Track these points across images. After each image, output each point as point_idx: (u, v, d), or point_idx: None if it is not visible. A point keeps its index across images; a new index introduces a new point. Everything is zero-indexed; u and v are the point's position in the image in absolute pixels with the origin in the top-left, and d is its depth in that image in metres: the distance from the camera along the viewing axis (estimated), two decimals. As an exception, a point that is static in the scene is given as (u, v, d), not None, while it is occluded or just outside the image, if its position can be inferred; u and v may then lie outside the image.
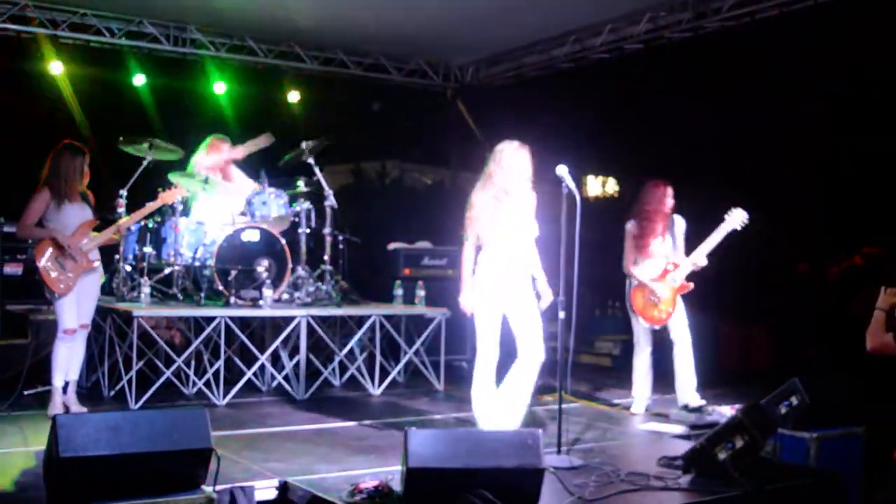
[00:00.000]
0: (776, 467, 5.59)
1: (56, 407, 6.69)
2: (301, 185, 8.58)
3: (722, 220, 7.40)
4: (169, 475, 4.32)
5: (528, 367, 6.00)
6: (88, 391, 7.77)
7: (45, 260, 6.61)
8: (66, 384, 6.83)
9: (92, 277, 6.86)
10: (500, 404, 6.01)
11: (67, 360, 6.79)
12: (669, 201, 7.57)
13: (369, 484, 4.75)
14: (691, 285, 7.55)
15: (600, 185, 12.90)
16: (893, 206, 8.59)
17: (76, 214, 6.76)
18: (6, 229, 7.79)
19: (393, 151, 12.08)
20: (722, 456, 5.25)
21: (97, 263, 6.88)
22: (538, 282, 6.19)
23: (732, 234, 7.41)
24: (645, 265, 7.57)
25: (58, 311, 6.74)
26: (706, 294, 7.80)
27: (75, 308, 6.75)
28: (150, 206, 7.29)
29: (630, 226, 7.61)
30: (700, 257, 7.47)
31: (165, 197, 7.37)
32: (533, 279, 6.16)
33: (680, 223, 7.66)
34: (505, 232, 6.05)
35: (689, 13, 8.78)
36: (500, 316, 6.07)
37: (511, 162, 6.10)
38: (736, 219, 7.37)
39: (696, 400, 7.42)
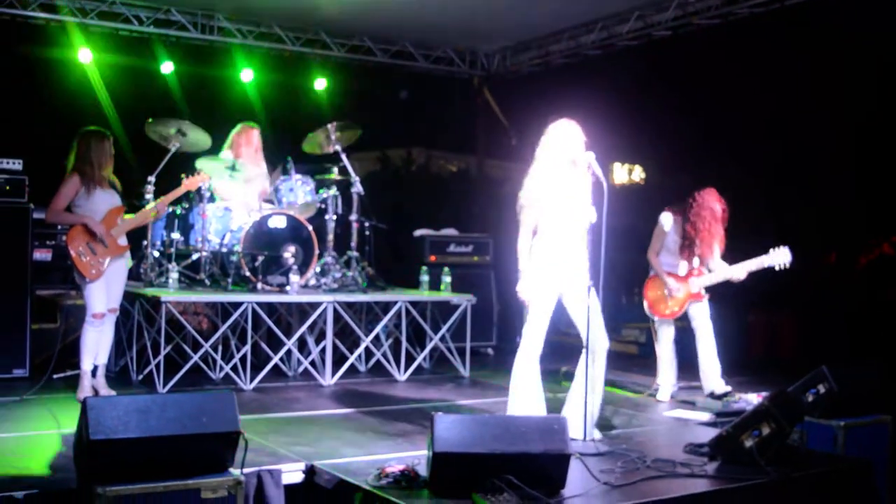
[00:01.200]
0: (803, 455, 5.57)
1: (85, 390, 6.76)
2: (335, 171, 8.58)
3: (764, 249, 7.28)
4: (197, 458, 4.36)
5: (594, 356, 5.77)
6: (117, 375, 7.83)
7: (77, 245, 6.68)
8: (96, 368, 6.90)
9: (121, 262, 6.93)
10: (538, 394, 5.87)
11: (96, 344, 6.85)
12: (721, 216, 7.43)
13: (395, 468, 4.76)
14: (707, 296, 7.51)
15: (627, 173, 12.86)
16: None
17: (105, 200, 6.82)
18: (36, 215, 7.84)
19: (419, 139, 12.08)
20: (749, 443, 5.24)
21: (126, 249, 6.94)
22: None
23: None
24: (670, 262, 7.56)
25: (87, 296, 6.80)
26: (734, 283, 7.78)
27: (104, 293, 6.81)
28: (175, 193, 7.32)
29: (665, 217, 7.53)
30: (730, 274, 7.42)
31: (189, 183, 7.40)
32: None
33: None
34: (561, 217, 5.84)
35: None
36: (554, 304, 5.88)
37: (565, 142, 5.86)
38: (778, 258, 7.23)
39: (721, 387, 7.40)
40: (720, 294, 7.62)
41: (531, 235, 5.94)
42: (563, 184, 5.85)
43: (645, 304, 7.63)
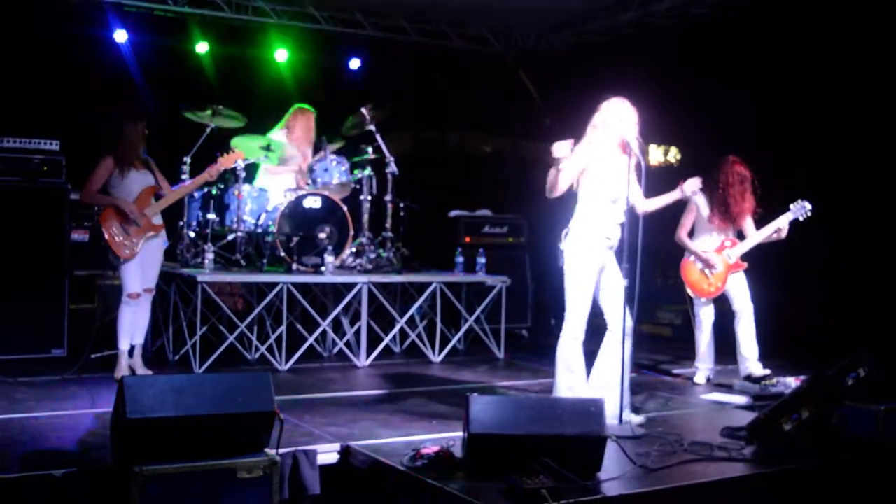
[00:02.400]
0: (843, 439, 5.48)
1: (122, 370, 6.81)
2: (369, 151, 8.57)
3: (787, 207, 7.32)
4: (233, 437, 4.38)
5: (618, 338, 5.76)
6: (153, 356, 7.88)
7: (110, 225, 6.72)
8: (132, 348, 6.95)
9: (156, 243, 6.95)
10: (582, 376, 5.85)
11: (132, 324, 6.90)
12: (749, 183, 7.41)
13: (431, 449, 4.75)
14: (745, 265, 7.47)
15: (662, 154, 12.74)
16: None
17: (139, 180, 6.86)
18: (73, 196, 7.90)
19: (453, 119, 11.99)
20: (787, 427, 5.18)
21: (161, 228, 6.96)
22: (672, 196, 6.05)
23: (795, 223, 7.33)
24: (702, 238, 7.50)
25: (123, 276, 6.85)
26: (772, 263, 7.70)
27: (139, 273, 6.85)
28: (212, 170, 7.32)
29: (699, 198, 7.44)
30: (761, 236, 7.40)
31: (224, 161, 7.40)
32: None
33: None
34: (607, 194, 5.79)
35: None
36: (596, 281, 5.84)
37: (616, 119, 5.80)
38: (799, 210, 7.29)
39: (759, 370, 7.32)
40: (759, 274, 7.54)
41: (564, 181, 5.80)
42: (608, 161, 5.82)
43: (687, 288, 7.56)
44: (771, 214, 7.45)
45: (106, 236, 6.71)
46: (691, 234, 7.58)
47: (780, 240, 7.44)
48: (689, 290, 7.57)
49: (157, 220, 6.94)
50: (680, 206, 7.42)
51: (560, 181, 5.74)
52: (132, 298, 6.83)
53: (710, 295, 7.48)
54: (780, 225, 7.34)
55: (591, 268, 5.84)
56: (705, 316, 7.59)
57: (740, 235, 7.55)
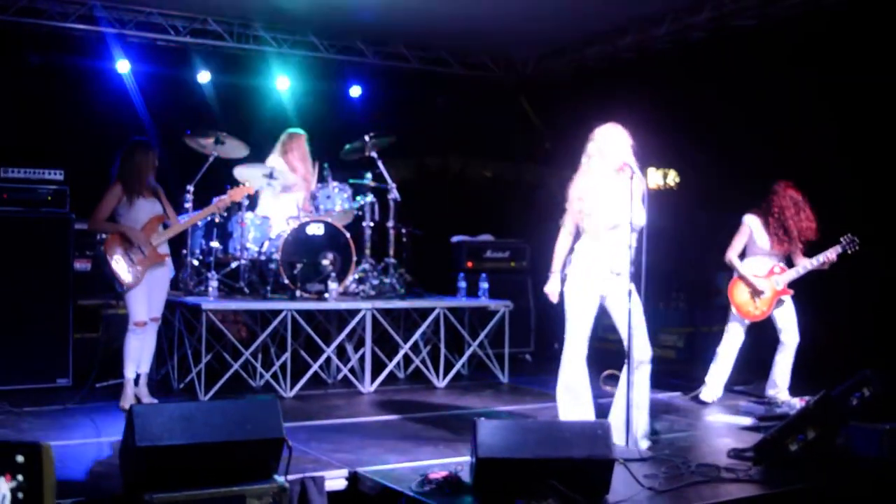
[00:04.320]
0: (849, 459, 5.50)
1: (128, 398, 6.82)
2: (369, 177, 8.62)
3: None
4: (242, 464, 4.40)
5: (636, 366, 5.74)
6: (158, 383, 7.89)
7: (114, 253, 6.75)
8: (138, 376, 6.96)
9: (162, 271, 6.98)
10: (585, 399, 5.86)
11: (139, 353, 6.92)
12: (807, 208, 7.54)
13: (439, 474, 4.77)
14: (792, 291, 7.58)
15: (661, 178, 12.79)
16: None
17: (147, 209, 6.90)
18: (77, 226, 7.94)
19: (455, 145, 12.05)
20: (793, 447, 5.21)
21: (167, 257, 6.99)
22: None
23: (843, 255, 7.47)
24: (752, 262, 7.56)
25: (128, 304, 6.87)
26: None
27: (145, 301, 6.87)
28: (220, 204, 7.40)
29: (749, 218, 7.59)
30: (810, 265, 7.52)
31: (234, 194, 7.47)
32: None
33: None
34: (606, 222, 5.79)
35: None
36: (595, 310, 5.84)
37: (610, 145, 5.81)
38: (848, 243, 7.41)
39: (785, 398, 7.41)
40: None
41: (569, 238, 5.95)
42: (606, 187, 5.82)
43: (732, 308, 7.62)
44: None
45: (110, 263, 6.74)
46: (741, 256, 7.65)
47: (824, 269, 7.55)
48: (733, 310, 7.62)
49: (164, 249, 6.98)
50: (682, 232, 7.51)
51: (566, 234, 5.90)
52: (138, 327, 6.85)
53: (755, 318, 7.57)
54: (830, 257, 7.44)
55: (587, 295, 5.84)
56: (736, 338, 7.68)
57: (789, 262, 7.62)
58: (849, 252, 7.41)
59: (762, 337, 7.83)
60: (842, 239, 7.42)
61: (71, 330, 7.84)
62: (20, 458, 3.78)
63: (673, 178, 11.62)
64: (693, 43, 9.50)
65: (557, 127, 11.07)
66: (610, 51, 10.30)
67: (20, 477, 3.75)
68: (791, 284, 7.58)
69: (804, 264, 7.53)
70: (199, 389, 7.34)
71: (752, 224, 7.60)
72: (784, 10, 8.57)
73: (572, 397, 5.85)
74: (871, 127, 8.49)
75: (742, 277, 7.58)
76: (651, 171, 11.89)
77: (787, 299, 7.58)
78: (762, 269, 7.57)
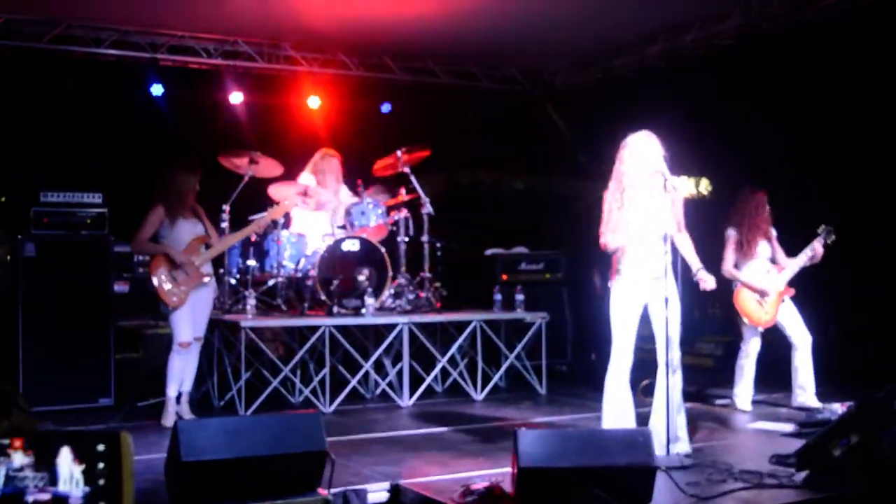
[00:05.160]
0: (894, 463, 5.44)
1: (170, 416, 6.89)
2: (404, 193, 8.68)
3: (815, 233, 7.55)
4: (286, 477, 4.44)
5: (667, 375, 5.73)
6: (198, 402, 7.94)
7: (159, 274, 6.83)
8: (180, 394, 7.04)
9: (205, 291, 7.07)
10: (628, 408, 5.85)
11: (181, 372, 7.00)
12: (767, 208, 7.67)
13: (480, 485, 4.79)
14: (793, 291, 7.59)
15: (693, 186, 12.77)
16: None
17: (188, 230, 6.99)
18: (116, 248, 8.06)
19: (486, 159, 12.10)
20: (836, 452, 5.15)
21: (209, 278, 7.08)
22: (695, 266, 5.98)
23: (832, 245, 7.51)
24: (748, 267, 7.58)
25: (173, 325, 6.96)
26: (814, 290, 7.72)
27: (189, 321, 6.96)
28: (261, 222, 7.48)
29: (732, 232, 7.65)
30: (800, 262, 7.56)
31: (274, 213, 7.56)
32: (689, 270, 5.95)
33: (772, 231, 7.74)
34: (638, 232, 5.80)
35: (784, 4, 8.61)
36: (637, 319, 5.84)
37: (643, 153, 5.82)
38: (825, 235, 7.49)
39: (814, 402, 7.38)
40: (802, 304, 7.59)
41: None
42: (641, 196, 5.83)
43: (744, 319, 7.62)
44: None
45: (155, 284, 6.82)
46: (737, 267, 7.65)
47: (817, 263, 7.58)
48: (744, 320, 7.61)
49: (207, 268, 7.06)
50: (715, 240, 7.53)
51: (613, 238, 5.85)
52: (183, 347, 6.93)
53: (766, 324, 7.57)
54: (816, 249, 7.50)
55: (632, 303, 5.85)
56: (753, 345, 7.65)
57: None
58: (827, 242, 7.46)
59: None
60: (818, 231, 7.49)
61: (112, 350, 7.94)
62: (101, 447, 3.92)
63: (706, 186, 11.60)
64: (721, 49, 9.47)
65: (588, 138, 11.08)
66: (638, 60, 10.28)
67: (101, 464, 3.91)
68: (791, 284, 7.60)
69: (795, 262, 7.58)
70: (240, 406, 7.40)
71: (732, 235, 7.66)
72: (813, 15, 8.52)
73: (617, 408, 5.84)
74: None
75: (745, 285, 7.58)
76: (683, 178, 11.84)
77: (788, 300, 7.60)
78: (759, 274, 7.59)
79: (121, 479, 3.96)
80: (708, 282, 5.93)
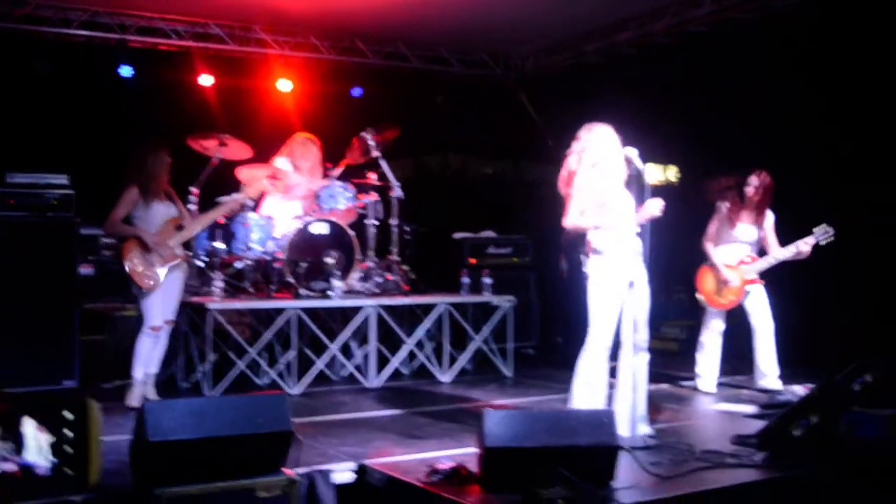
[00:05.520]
0: (852, 444, 5.54)
1: (136, 397, 6.87)
2: (374, 177, 8.69)
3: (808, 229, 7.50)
4: (251, 458, 4.45)
5: (637, 353, 5.78)
6: (164, 384, 7.92)
7: (132, 257, 6.81)
8: (146, 376, 7.02)
9: (177, 274, 7.05)
10: (602, 395, 5.87)
11: (149, 354, 6.98)
12: (767, 192, 7.62)
13: (446, 465, 4.82)
14: (761, 282, 7.63)
15: (661, 173, 12.83)
16: None
17: (162, 212, 6.97)
18: (82, 231, 8.00)
19: (455, 143, 12.12)
20: (797, 433, 5.24)
21: (184, 259, 7.06)
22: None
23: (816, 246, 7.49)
24: (724, 249, 7.63)
25: (145, 308, 6.93)
26: (778, 274, 7.80)
27: (161, 305, 6.95)
28: (234, 202, 7.46)
29: (723, 205, 7.69)
30: (780, 255, 7.57)
31: (249, 191, 7.57)
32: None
33: (769, 217, 7.70)
34: (613, 215, 5.86)
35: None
36: (620, 303, 5.84)
37: (611, 138, 5.90)
38: (821, 234, 7.42)
39: (777, 386, 7.46)
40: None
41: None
42: (614, 177, 5.89)
43: (700, 296, 7.69)
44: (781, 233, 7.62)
45: (127, 268, 6.79)
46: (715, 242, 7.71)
47: (799, 259, 7.58)
48: (701, 299, 7.68)
49: (180, 250, 7.04)
50: (683, 226, 7.57)
51: (585, 221, 5.88)
52: (154, 331, 6.92)
53: (721, 307, 7.63)
54: (801, 248, 7.46)
55: (618, 284, 5.84)
56: (715, 324, 7.71)
57: (762, 252, 7.67)
58: (822, 244, 7.42)
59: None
60: (815, 230, 7.42)
61: (77, 332, 7.88)
62: (67, 415, 3.91)
63: (675, 173, 11.65)
64: (692, 36, 9.51)
65: (557, 123, 11.11)
66: (609, 46, 10.31)
67: (67, 432, 3.90)
68: (764, 275, 7.62)
69: (775, 254, 7.58)
70: (206, 389, 7.39)
71: (722, 208, 7.69)
72: (783, 3, 8.58)
73: (591, 392, 5.85)
74: (868, 116, 8.53)
75: (712, 266, 7.63)
76: (650, 166, 11.91)
77: (757, 288, 7.61)
78: (733, 258, 7.63)
79: (88, 446, 3.96)
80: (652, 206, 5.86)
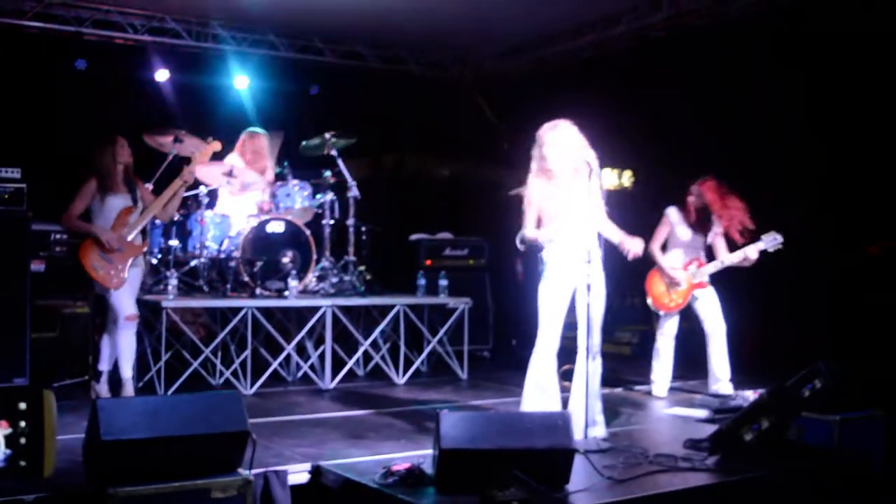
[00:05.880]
0: (801, 448, 5.64)
1: (128, 393, 6.82)
2: (328, 175, 8.66)
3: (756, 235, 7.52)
4: (207, 458, 4.42)
5: (587, 361, 5.78)
6: (116, 382, 7.84)
7: (90, 260, 6.73)
8: (100, 373, 6.96)
9: (136, 270, 6.98)
10: (552, 393, 5.93)
11: (133, 347, 6.90)
12: (716, 199, 7.63)
13: (401, 466, 4.81)
14: (708, 286, 7.68)
15: (616, 177, 12.94)
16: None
17: (117, 206, 6.91)
18: (34, 227, 7.87)
19: (412, 143, 12.11)
20: (748, 437, 5.32)
21: (142, 249, 6.98)
22: (618, 237, 6.04)
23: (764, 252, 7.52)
24: (671, 254, 7.70)
25: (115, 303, 6.86)
26: (731, 279, 7.87)
27: (130, 293, 6.91)
28: (188, 170, 7.37)
29: (671, 211, 7.74)
30: (728, 261, 7.61)
31: (201, 158, 7.56)
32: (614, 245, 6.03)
33: (716, 224, 7.73)
34: (564, 217, 5.90)
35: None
36: (567, 305, 5.91)
37: (559, 142, 5.90)
38: (769, 241, 7.46)
39: (729, 390, 7.53)
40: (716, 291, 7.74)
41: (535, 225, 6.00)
42: (560, 184, 5.91)
43: (649, 299, 7.76)
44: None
45: (88, 272, 6.70)
46: (664, 249, 7.76)
47: (745, 266, 7.61)
48: (650, 302, 7.75)
49: (138, 240, 6.96)
50: (637, 232, 7.63)
51: (528, 230, 5.94)
52: (130, 320, 6.86)
53: (669, 310, 7.69)
54: (749, 254, 7.49)
55: (562, 288, 5.92)
56: (668, 328, 7.77)
57: (711, 256, 7.73)
58: (770, 250, 7.46)
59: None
60: (763, 237, 7.47)
61: (28, 330, 7.76)
62: (22, 406, 3.87)
63: (628, 177, 11.75)
64: (651, 41, 9.60)
65: (515, 126, 11.14)
66: (568, 49, 10.37)
67: (22, 423, 3.86)
68: (716, 281, 7.69)
69: (722, 259, 7.63)
70: (159, 388, 7.32)
71: (672, 217, 7.74)
72: (738, 10, 8.70)
73: (541, 393, 5.90)
74: (825, 121, 8.65)
75: (659, 269, 7.70)
76: (606, 171, 11.99)
77: (708, 292, 7.68)
78: (680, 262, 7.71)
79: (43, 437, 3.91)
80: (634, 246, 5.99)
